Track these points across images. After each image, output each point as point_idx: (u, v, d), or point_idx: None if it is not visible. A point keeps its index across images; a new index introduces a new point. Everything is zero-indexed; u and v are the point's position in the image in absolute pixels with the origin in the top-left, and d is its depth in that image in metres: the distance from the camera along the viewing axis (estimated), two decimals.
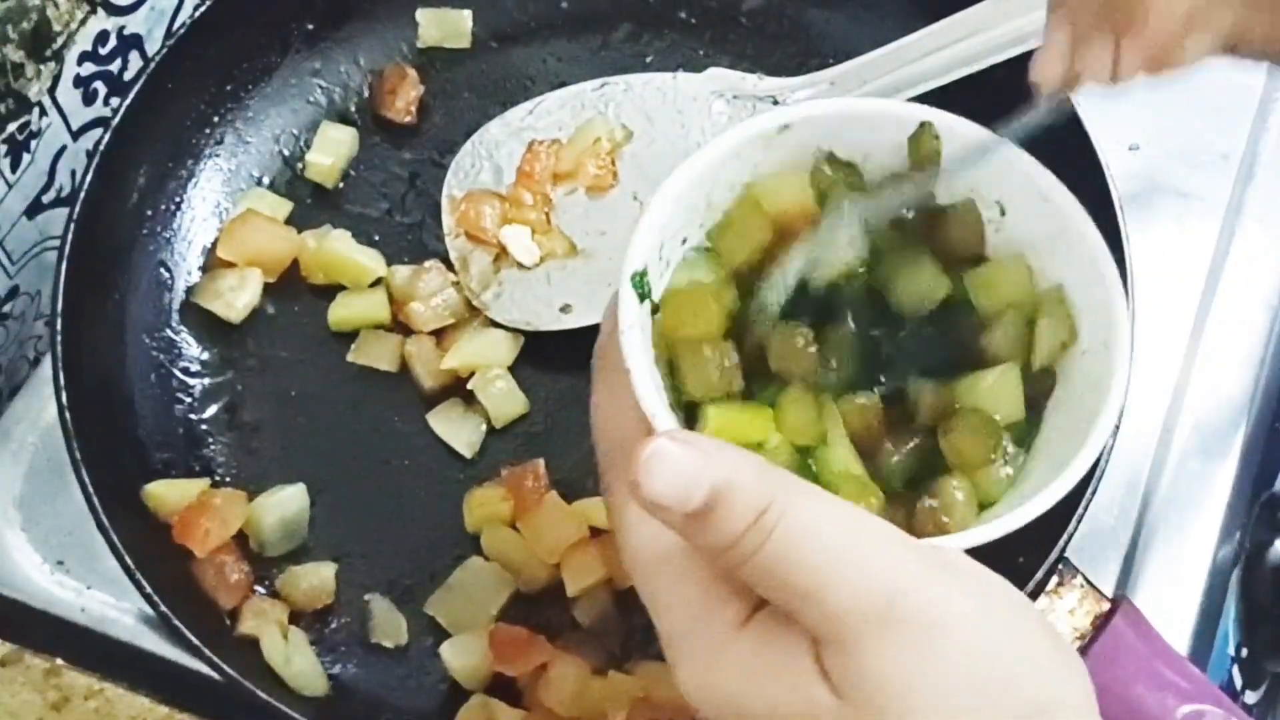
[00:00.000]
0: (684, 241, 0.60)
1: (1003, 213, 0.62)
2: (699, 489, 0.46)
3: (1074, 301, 0.60)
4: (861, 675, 0.46)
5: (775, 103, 0.80)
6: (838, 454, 0.58)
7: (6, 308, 0.83)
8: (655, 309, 0.58)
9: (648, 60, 0.86)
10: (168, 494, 0.73)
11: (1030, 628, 0.49)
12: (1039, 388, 0.60)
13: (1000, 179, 0.61)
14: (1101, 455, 0.68)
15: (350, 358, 0.79)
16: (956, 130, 0.61)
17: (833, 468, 0.58)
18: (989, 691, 0.47)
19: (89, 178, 0.75)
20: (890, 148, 0.61)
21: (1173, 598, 0.77)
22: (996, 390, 0.59)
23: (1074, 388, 0.60)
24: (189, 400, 0.78)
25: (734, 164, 0.60)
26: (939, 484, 0.58)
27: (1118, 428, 0.69)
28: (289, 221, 0.82)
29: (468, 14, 0.86)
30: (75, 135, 0.84)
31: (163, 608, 0.67)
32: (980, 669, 0.47)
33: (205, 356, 0.79)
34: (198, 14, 0.79)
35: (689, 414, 0.58)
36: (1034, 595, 0.69)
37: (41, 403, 0.80)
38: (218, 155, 0.83)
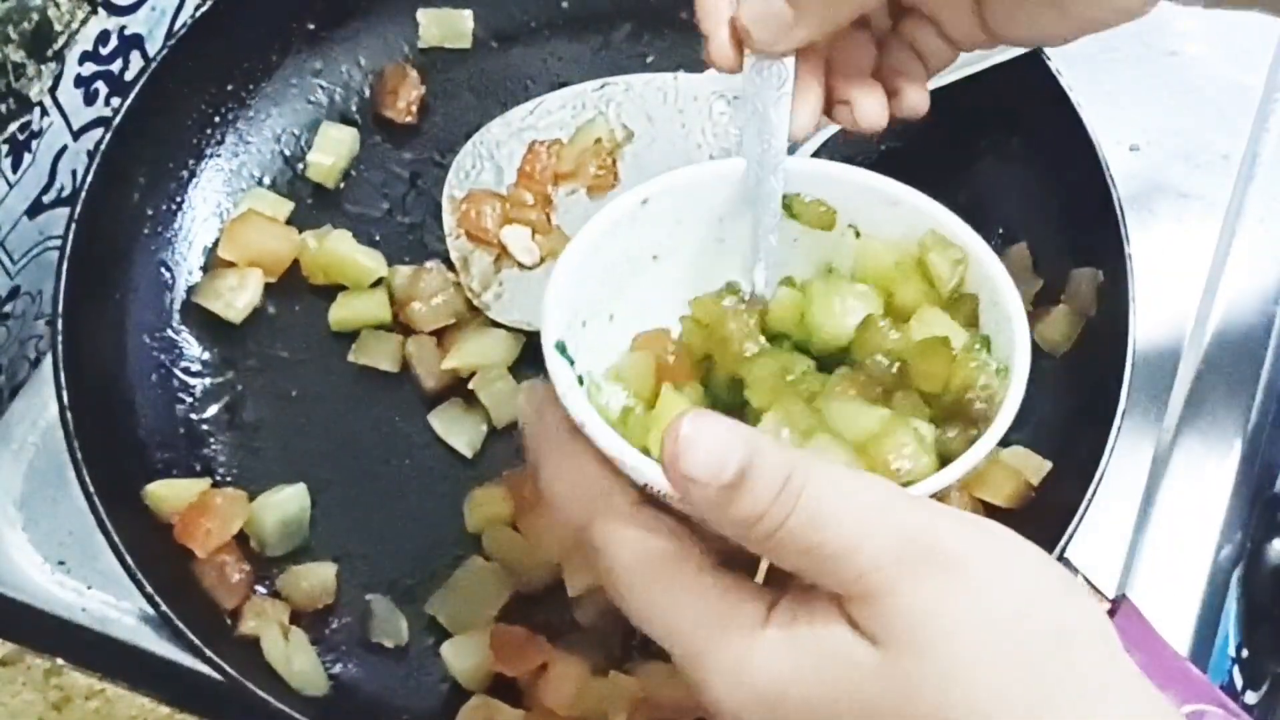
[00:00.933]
0: (584, 325, 0.61)
1: (857, 234, 0.63)
2: (732, 460, 0.48)
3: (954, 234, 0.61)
4: (896, 618, 0.48)
5: None
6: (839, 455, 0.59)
7: (7, 308, 0.83)
8: (581, 380, 0.59)
9: (648, 60, 0.86)
10: (168, 494, 0.73)
11: (1040, 562, 0.51)
12: (967, 310, 0.61)
13: (845, 201, 0.63)
14: (1102, 454, 0.69)
15: (351, 358, 0.79)
16: (816, 172, 0.63)
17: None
18: (1016, 618, 0.48)
19: (90, 178, 0.75)
20: (744, 205, 0.62)
21: (1173, 598, 0.77)
22: (928, 329, 0.60)
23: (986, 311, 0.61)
24: (190, 400, 0.78)
25: (611, 243, 0.61)
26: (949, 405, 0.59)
27: (1119, 426, 0.69)
28: (290, 221, 0.82)
29: (468, 14, 0.87)
30: (76, 135, 0.84)
31: (164, 607, 0.67)
32: (1005, 598, 0.48)
33: (206, 356, 0.79)
34: (199, 14, 0.79)
35: None
36: None
37: (42, 403, 0.80)
38: (219, 155, 0.83)
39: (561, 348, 0.58)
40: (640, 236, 0.62)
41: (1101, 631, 0.50)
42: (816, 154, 0.77)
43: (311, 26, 0.85)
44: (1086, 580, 0.71)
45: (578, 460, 0.55)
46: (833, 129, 0.76)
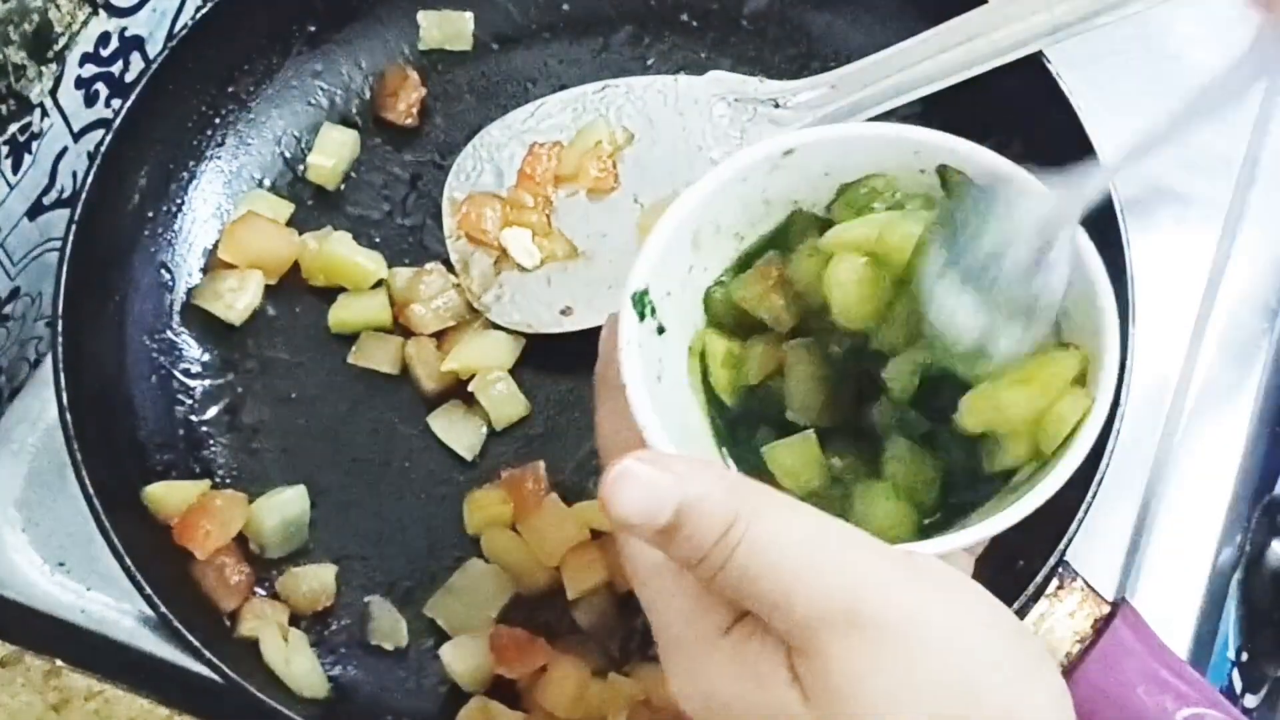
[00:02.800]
0: (690, 269, 0.61)
1: None
2: (665, 508, 0.48)
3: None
4: (826, 680, 0.48)
5: (777, 105, 0.80)
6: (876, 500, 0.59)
7: (7, 309, 0.83)
8: (660, 329, 0.59)
9: (649, 63, 0.86)
10: (168, 495, 0.73)
11: (997, 633, 0.50)
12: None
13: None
14: (1102, 455, 0.69)
15: (351, 360, 0.79)
16: (971, 156, 0.61)
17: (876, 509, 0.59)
18: (949, 699, 0.48)
19: (90, 179, 0.75)
20: (897, 170, 0.61)
21: (1173, 601, 0.77)
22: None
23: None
24: (189, 402, 0.78)
25: (740, 188, 0.61)
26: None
27: (1118, 430, 0.69)
28: (290, 223, 0.82)
29: (469, 16, 0.86)
30: (76, 137, 0.84)
31: (163, 609, 0.67)
32: (940, 677, 0.48)
33: (206, 358, 0.79)
34: (199, 16, 0.79)
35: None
36: (1034, 599, 0.69)
37: (42, 404, 0.80)
38: (219, 157, 0.83)
39: (639, 298, 0.58)
40: (780, 183, 0.62)
41: (1054, 709, 0.49)
42: None
43: (312, 28, 0.85)
44: (1086, 583, 0.71)
45: (622, 416, 0.56)
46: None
